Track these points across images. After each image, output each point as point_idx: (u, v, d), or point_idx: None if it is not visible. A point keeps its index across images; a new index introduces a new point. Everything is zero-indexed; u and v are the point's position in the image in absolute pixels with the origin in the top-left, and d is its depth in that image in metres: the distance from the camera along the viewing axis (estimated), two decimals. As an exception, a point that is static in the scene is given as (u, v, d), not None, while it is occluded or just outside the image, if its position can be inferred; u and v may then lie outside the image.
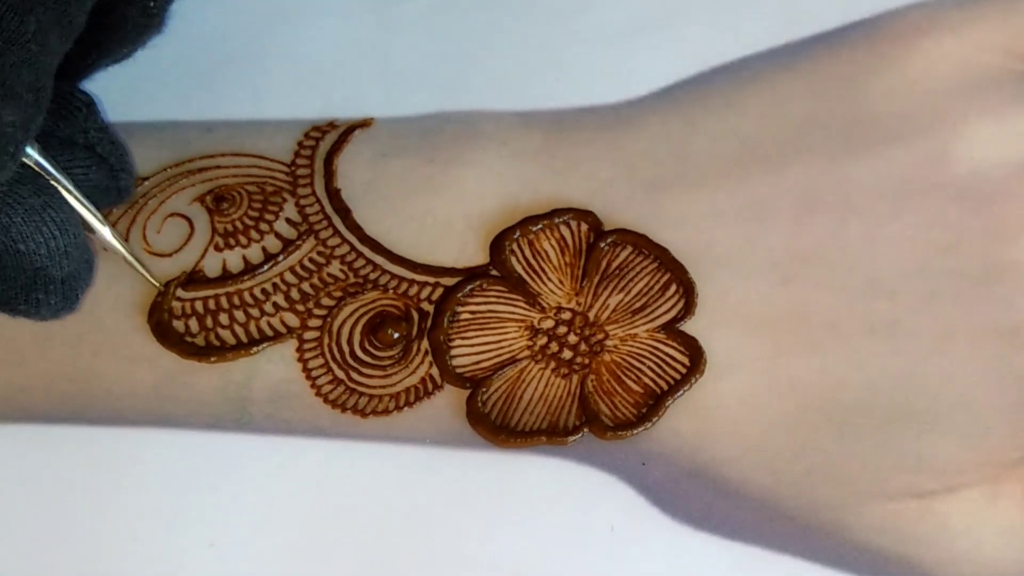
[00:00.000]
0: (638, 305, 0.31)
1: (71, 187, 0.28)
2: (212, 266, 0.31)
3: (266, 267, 0.31)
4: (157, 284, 0.31)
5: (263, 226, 0.32)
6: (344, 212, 0.32)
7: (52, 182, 0.28)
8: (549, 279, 0.31)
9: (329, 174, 0.32)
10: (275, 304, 0.31)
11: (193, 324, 0.31)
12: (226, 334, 0.31)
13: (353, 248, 0.31)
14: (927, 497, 0.29)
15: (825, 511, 0.29)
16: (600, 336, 0.30)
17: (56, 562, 0.30)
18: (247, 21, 0.35)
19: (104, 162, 0.29)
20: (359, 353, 0.31)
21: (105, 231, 0.29)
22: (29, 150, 0.27)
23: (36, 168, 0.27)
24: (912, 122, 0.31)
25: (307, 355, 0.30)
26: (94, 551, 0.30)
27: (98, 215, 0.29)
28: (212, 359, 0.30)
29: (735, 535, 0.30)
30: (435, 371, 0.30)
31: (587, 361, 0.30)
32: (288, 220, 0.32)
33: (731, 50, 0.34)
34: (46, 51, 0.25)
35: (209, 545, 0.30)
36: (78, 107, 0.29)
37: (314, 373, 0.30)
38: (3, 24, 0.25)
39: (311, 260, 0.31)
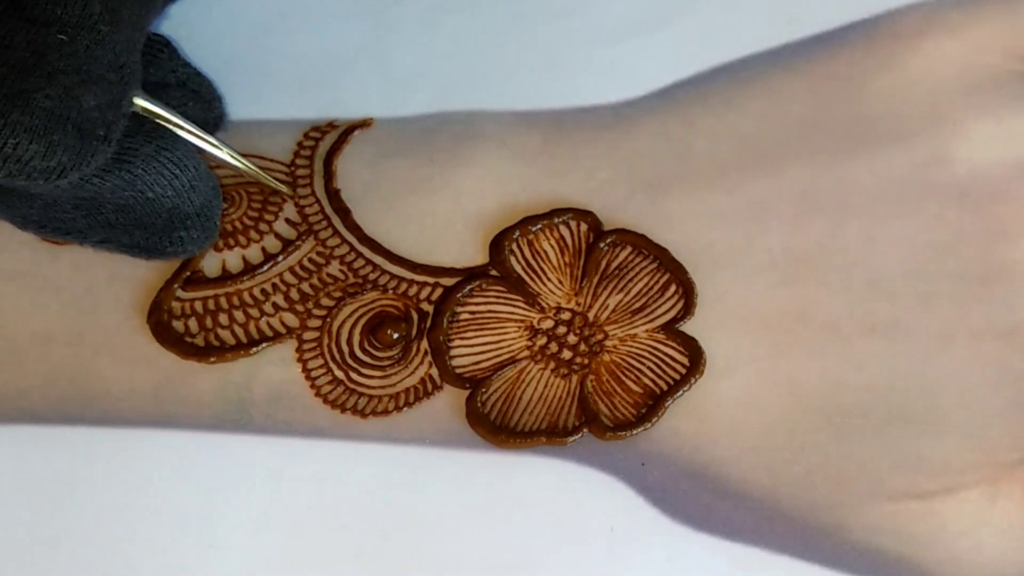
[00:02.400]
0: (638, 305, 0.31)
1: (180, 120, 0.28)
2: (211, 266, 0.31)
3: (266, 267, 0.31)
4: (286, 191, 0.32)
5: (262, 226, 0.32)
6: (344, 212, 0.32)
7: (160, 123, 0.28)
8: (548, 279, 0.31)
9: (329, 174, 0.32)
10: (275, 304, 0.31)
11: (193, 324, 0.31)
12: (226, 334, 0.31)
13: (353, 248, 0.31)
14: (926, 498, 0.29)
15: (824, 512, 0.29)
16: (600, 336, 0.30)
17: (56, 562, 0.30)
18: (247, 21, 0.35)
19: (197, 95, 0.30)
20: (359, 353, 0.31)
21: (223, 154, 0.30)
22: (136, 99, 0.27)
23: (143, 114, 0.28)
24: (911, 123, 0.31)
25: (307, 355, 0.31)
26: (94, 551, 0.30)
27: (211, 139, 0.29)
28: (212, 359, 0.30)
29: (734, 536, 0.30)
30: (435, 371, 0.30)
31: (586, 361, 0.30)
32: (288, 220, 0.32)
33: (730, 50, 0.34)
34: (120, 28, 0.26)
35: (209, 546, 0.30)
36: (160, 49, 0.30)
37: (314, 374, 0.30)
38: (68, 10, 0.25)
39: (310, 260, 0.31)
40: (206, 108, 0.31)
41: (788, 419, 0.29)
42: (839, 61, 0.32)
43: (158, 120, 0.28)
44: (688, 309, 0.30)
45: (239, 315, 0.31)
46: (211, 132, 0.31)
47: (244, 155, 0.32)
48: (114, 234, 0.29)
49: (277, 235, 0.32)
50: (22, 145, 0.24)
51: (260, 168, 0.31)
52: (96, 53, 0.25)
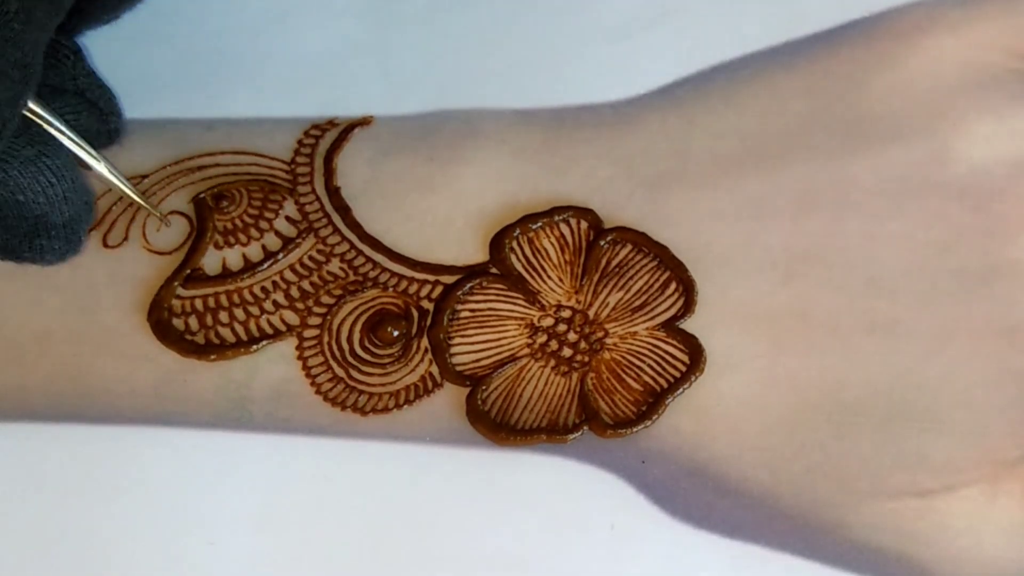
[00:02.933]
0: (638, 303, 0.31)
1: (64, 128, 0.28)
2: (212, 264, 0.31)
3: (266, 265, 0.31)
4: (157, 213, 0.31)
5: (263, 224, 0.32)
6: (344, 210, 0.32)
7: (46, 127, 0.28)
8: (549, 277, 0.31)
9: (329, 172, 0.32)
10: (275, 302, 0.31)
11: (193, 322, 0.31)
12: (226, 332, 0.31)
13: (353, 246, 0.31)
14: (927, 496, 0.29)
15: (825, 509, 0.29)
16: (600, 334, 0.30)
17: (56, 561, 0.30)
18: (247, 20, 0.35)
19: (94, 106, 0.30)
20: (359, 351, 0.31)
21: (101, 167, 0.30)
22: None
23: (31, 116, 0.28)
24: (912, 121, 0.31)
25: (307, 353, 0.30)
26: (94, 550, 0.30)
27: (93, 152, 0.29)
28: (212, 357, 0.30)
29: (735, 533, 0.30)
30: (435, 369, 0.30)
31: (587, 359, 0.30)
32: (288, 218, 0.32)
33: (731, 48, 0.34)
34: (31, 27, 0.26)
35: (209, 543, 0.30)
36: (66, 55, 0.30)
37: (314, 371, 0.30)
38: None
39: (311, 258, 0.31)
40: (101, 121, 0.31)
41: (788, 417, 0.29)
42: (839, 59, 0.32)
43: (45, 125, 0.28)
44: (688, 307, 0.30)
45: (239, 313, 0.31)
46: (104, 145, 0.31)
47: (241, 153, 0.33)
48: None
49: (277, 233, 0.32)
50: None
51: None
52: (6, 49, 0.25)
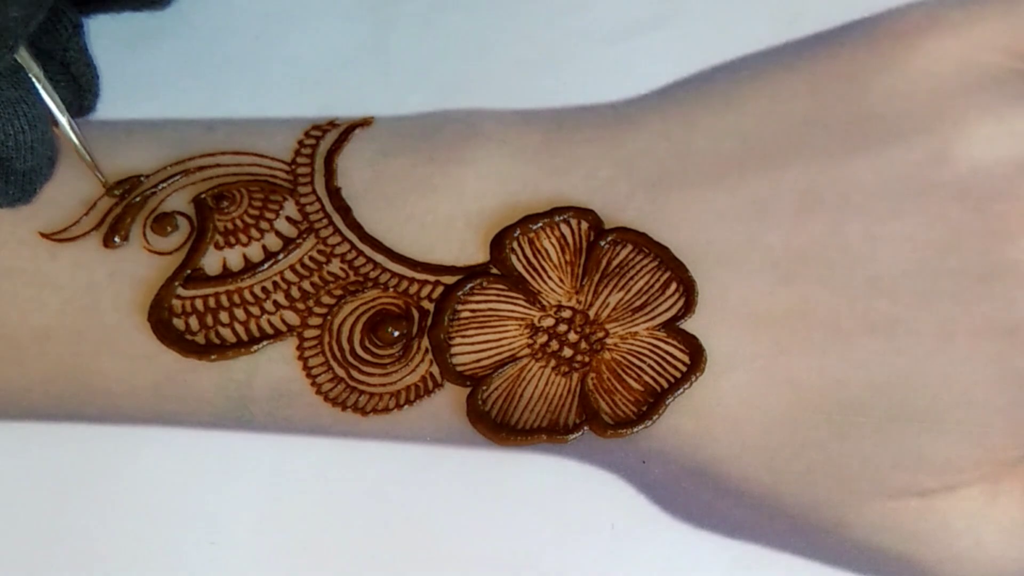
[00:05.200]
0: (638, 303, 0.31)
1: (45, 82, 0.29)
2: (212, 264, 0.31)
3: (266, 265, 0.31)
4: (103, 180, 0.31)
5: (263, 224, 0.32)
6: (344, 210, 0.32)
7: (30, 76, 0.29)
8: (549, 277, 0.31)
9: (329, 173, 0.32)
10: (275, 302, 0.31)
11: (193, 322, 0.31)
12: (226, 332, 0.31)
13: (353, 246, 0.31)
14: (927, 495, 0.29)
15: (825, 509, 0.29)
16: (600, 334, 0.30)
17: (56, 561, 0.30)
18: (247, 20, 0.36)
19: (74, 81, 0.31)
20: (359, 351, 0.31)
21: (64, 121, 0.30)
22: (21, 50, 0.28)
23: (21, 62, 0.29)
24: (912, 121, 0.31)
25: (307, 353, 0.31)
26: (94, 549, 0.30)
27: (62, 107, 0.30)
28: (212, 357, 0.30)
29: (735, 533, 0.30)
30: (435, 369, 0.30)
31: (587, 359, 0.30)
32: (288, 218, 0.32)
33: (731, 49, 0.34)
34: None
35: (210, 543, 0.30)
36: (65, 25, 0.30)
37: (314, 371, 0.30)
38: None
39: (311, 258, 0.31)
40: (77, 95, 0.31)
41: (789, 417, 0.29)
42: (840, 60, 0.32)
43: (31, 74, 0.29)
44: (689, 307, 0.30)
45: (240, 313, 0.31)
46: (72, 115, 0.31)
47: (241, 153, 0.33)
48: None
49: (278, 233, 0.32)
50: None
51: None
52: None
